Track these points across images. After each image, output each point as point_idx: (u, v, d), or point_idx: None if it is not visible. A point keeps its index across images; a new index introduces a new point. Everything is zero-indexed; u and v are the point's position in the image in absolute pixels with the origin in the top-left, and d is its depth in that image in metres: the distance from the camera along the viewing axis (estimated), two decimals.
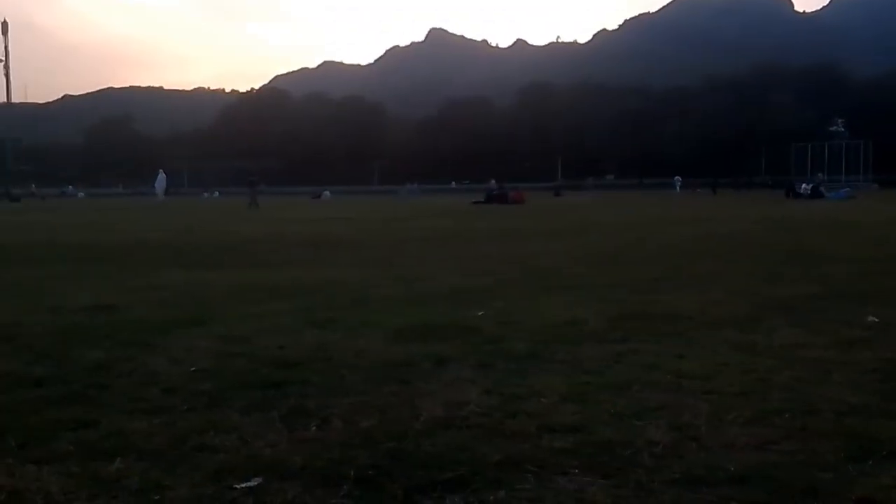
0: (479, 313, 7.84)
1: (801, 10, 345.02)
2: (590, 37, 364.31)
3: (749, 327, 7.04)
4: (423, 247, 17.50)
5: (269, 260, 14.85)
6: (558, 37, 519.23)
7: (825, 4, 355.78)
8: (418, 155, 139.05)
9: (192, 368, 5.68)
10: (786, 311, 7.87)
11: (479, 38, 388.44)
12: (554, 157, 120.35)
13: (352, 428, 4.30)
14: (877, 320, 7.11)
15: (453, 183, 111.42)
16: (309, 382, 5.29)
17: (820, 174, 59.48)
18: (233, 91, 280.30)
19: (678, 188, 75.69)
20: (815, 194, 46.85)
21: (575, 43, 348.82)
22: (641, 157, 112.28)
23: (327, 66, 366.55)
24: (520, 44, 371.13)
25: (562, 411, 4.56)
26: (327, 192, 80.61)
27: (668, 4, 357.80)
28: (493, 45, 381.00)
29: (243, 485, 3.48)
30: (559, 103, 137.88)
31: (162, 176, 64.44)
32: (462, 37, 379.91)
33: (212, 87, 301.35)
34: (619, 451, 3.88)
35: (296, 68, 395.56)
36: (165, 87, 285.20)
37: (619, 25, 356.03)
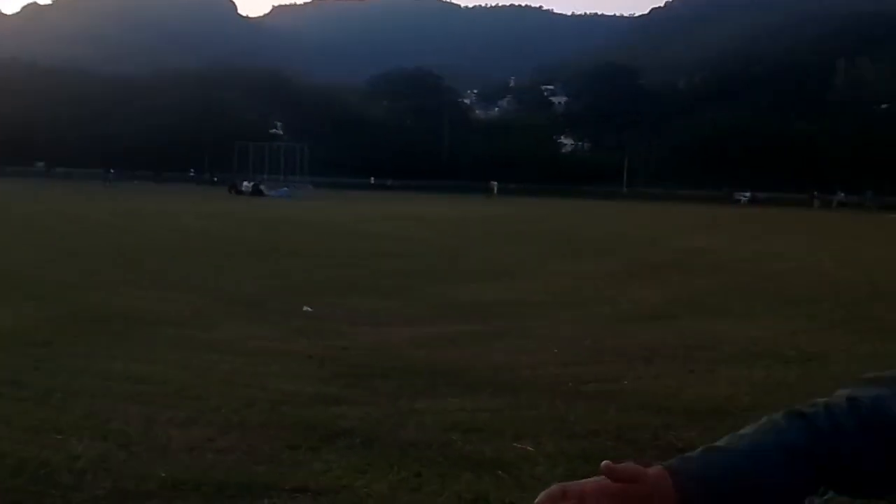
0: None
1: (244, 14, 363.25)
2: (18, 9, 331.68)
3: (192, 323, 6.92)
4: None
5: None
6: None
7: (267, 12, 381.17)
8: None
9: None
10: (232, 305, 7.97)
11: None
12: None
13: None
14: (311, 310, 7.59)
15: None
16: None
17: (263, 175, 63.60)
18: None
19: (110, 181, 71.64)
20: (256, 192, 49.65)
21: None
22: (84, 146, 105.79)
23: None
24: None
25: None
26: None
27: None
28: None
29: None
30: None
31: None
32: None
33: None
34: (36, 471, 3.33)
35: None
36: None
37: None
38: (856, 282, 11.89)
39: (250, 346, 5.96)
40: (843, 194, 63.73)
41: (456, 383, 5.09)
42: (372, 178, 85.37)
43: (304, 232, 19.75)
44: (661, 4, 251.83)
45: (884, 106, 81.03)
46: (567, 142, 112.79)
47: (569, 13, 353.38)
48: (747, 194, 67.55)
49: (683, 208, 44.80)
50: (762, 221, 31.38)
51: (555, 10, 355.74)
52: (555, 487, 0.89)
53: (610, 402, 4.70)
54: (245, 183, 53.79)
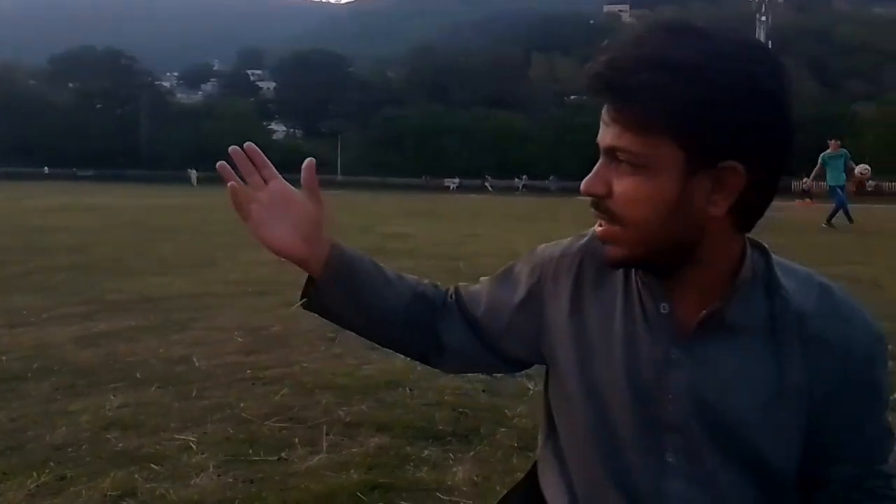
0: None
1: None
2: None
3: None
4: None
5: None
6: None
7: None
8: None
9: None
10: None
11: None
12: None
13: None
14: None
15: None
16: None
17: None
18: None
19: None
20: None
21: None
22: None
23: None
24: None
25: None
26: None
27: None
28: None
29: None
30: None
31: None
32: None
33: None
34: None
35: None
36: None
37: None
38: None
39: None
40: (525, 177, 70.51)
41: (122, 380, 4.85)
42: (46, 168, 78.71)
43: None
44: None
45: (572, 97, 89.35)
46: (278, 128, 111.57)
47: None
48: (456, 181, 71.48)
49: (396, 195, 46.30)
50: (466, 206, 33.29)
51: None
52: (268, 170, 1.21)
53: (286, 385, 4.73)
54: None
